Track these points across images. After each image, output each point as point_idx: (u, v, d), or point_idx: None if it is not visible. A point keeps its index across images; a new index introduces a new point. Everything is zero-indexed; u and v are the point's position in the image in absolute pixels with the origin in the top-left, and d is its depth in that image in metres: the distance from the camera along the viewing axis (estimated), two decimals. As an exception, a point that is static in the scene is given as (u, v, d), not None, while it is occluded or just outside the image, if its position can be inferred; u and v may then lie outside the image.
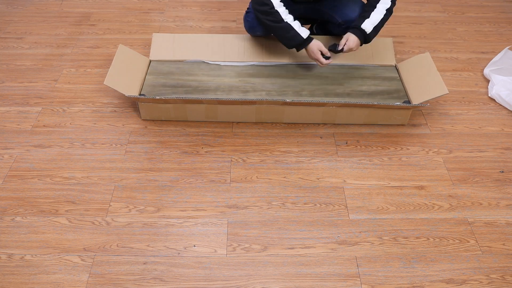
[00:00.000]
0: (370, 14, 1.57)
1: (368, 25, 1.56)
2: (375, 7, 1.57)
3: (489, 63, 1.94)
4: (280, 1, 1.54)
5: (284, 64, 1.75)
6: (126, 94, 1.53)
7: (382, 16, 1.57)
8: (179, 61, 1.77)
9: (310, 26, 1.97)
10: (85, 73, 1.87)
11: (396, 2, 1.60)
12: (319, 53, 1.59)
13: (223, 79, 1.69)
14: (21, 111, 1.67)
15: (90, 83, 1.81)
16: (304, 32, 1.57)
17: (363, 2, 1.68)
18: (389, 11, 1.58)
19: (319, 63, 1.61)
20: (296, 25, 1.56)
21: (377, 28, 1.58)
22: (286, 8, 1.56)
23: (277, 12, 1.54)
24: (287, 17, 1.55)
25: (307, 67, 1.75)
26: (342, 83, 1.70)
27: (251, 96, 1.61)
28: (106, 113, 1.67)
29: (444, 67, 1.98)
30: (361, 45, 1.61)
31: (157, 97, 1.51)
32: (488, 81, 1.89)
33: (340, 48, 1.60)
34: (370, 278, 1.20)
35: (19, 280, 1.17)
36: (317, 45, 1.59)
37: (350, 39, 1.58)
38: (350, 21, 1.66)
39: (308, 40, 1.59)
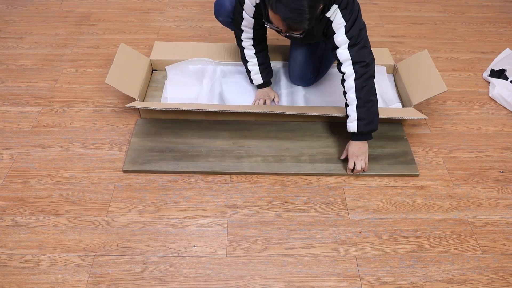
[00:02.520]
0: (346, 110, 1.39)
1: (352, 127, 1.37)
2: (346, 100, 1.38)
3: (489, 66, 1.94)
4: (252, 45, 1.54)
5: (282, 122, 1.61)
6: (126, 105, 1.53)
7: (355, 103, 1.34)
8: (169, 119, 1.60)
9: None
10: (85, 73, 1.87)
11: (367, 70, 1.33)
12: (259, 100, 1.64)
13: (215, 141, 1.53)
14: (21, 111, 1.67)
15: (90, 83, 1.81)
16: (256, 80, 1.63)
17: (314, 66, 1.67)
18: (360, 91, 1.33)
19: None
20: (254, 70, 1.60)
21: (363, 119, 1.35)
22: (256, 48, 1.55)
23: (242, 49, 1.58)
24: (251, 59, 1.59)
25: (306, 125, 1.61)
26: (344, 145, 1.48)
27: (245, 163, 1.46)
28: (106, 113, 1.67)
29: (444, 67, 1.98)
30: (371, 137, 1.41)
31: (157, 108, 1.51)
32: (488, 81, 1.89)
33: (350, 171, 1.45)
34: (370, 278, 1.20)
35: (19, 280, 1.17)
36: (263, 93, 1.65)
37: (350, 153, 1.41)
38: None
39: (257, 86, 1.66)
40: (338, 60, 1.37)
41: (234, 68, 1.82)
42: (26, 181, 1.41)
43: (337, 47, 1.34)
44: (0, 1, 2.35)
